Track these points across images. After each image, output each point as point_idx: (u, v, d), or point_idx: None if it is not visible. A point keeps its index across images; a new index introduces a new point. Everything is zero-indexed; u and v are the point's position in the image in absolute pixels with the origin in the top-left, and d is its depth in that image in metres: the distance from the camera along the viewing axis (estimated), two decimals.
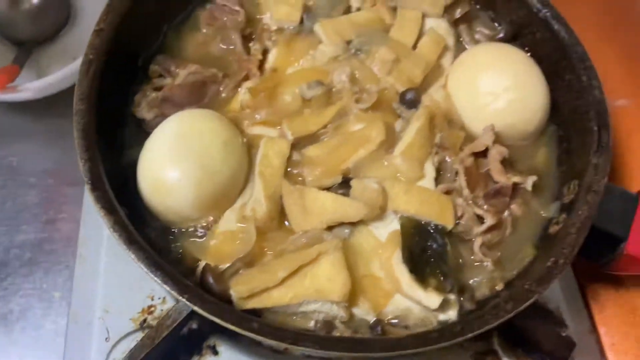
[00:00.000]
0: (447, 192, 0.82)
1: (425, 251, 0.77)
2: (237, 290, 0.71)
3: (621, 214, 0.79)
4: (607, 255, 0.82)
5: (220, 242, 0.76)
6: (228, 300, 0.71)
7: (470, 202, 0.80)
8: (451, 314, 0.74)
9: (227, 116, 0.85)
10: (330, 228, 0.78)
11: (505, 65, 0.87)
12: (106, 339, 0.81)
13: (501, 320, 0.67)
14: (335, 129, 0.86)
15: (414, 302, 0.74)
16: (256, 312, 0.71)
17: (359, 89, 0.88)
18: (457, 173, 0.83)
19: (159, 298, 0.85)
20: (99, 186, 0.69)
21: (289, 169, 0.82)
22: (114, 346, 0.81)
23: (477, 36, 0.98)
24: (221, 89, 0.90)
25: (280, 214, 0.79)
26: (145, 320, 0.83)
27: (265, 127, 0.86)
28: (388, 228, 0.79)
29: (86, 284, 0.86)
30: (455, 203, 0.81)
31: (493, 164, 0.82)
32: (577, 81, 0.87)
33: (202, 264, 0.74)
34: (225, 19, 0.95)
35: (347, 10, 0.98)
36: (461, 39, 0.98)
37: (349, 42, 0.93)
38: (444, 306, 0.74)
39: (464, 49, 0.96)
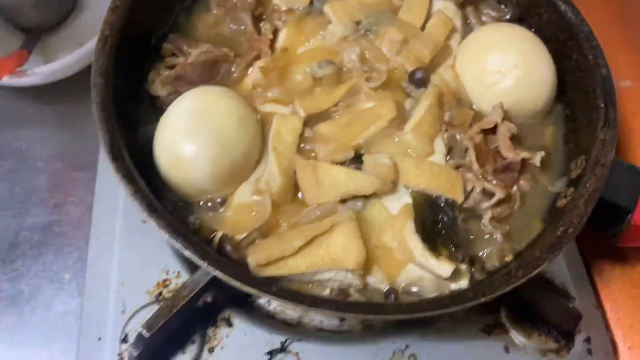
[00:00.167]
0: (457, 168, 0.83)
1: (437, 223, 0.79)
2: (255, 258, 0.72)
3: (628, 186, 0.81)
4: (615, 227, 0.84)
5: (236, 214, 0.78)
6: (245, 269, 0.72)
7: (480, 177, 0.81)
8: (462, 284, 0.76)
9: (240, 94, 0.86)
10: (343, 201, 0.79)
11: (512, 43, 0.89)
12: (122, 311, 0.82)
13: (512, 286, 0.69)
14: (346, 107, 0.87)
15: (427, 271, 0.75)
16: (272, 281, 0.72)
17: (368, 68, 0.89)
18: (466, 149, 0.84)
19: (174, 272, 0.86)
20: (119, 156, 0.70)
21: (301, 145, 0.83)
22: (130, 318, 0.81)
23: (484, 18, 1.00)
24: (233, 68, 0.91)
25: (293, 187, 0.80)
26: (160, 294, 0.84)
27: (277, 105, 0.87)
28: (400, 201, 0.81)
29: (101, 260, 0.87)
30: (464, 178, 0.82)
31: (502, 140, 0.83)
32: (583, 61, 0.89)
33: (218, 234, 0.74)
34: (235, 0, 0.96)
35: None
36: (468, 21, 1.00)
37: (358, 23, 0.95)
38: (455, 276, 0.75)
39: (471, 30, 0.98)
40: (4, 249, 1.08)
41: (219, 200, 0.80)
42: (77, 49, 1.09)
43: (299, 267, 0.73)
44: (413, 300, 0.74)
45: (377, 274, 0.76)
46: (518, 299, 0.84)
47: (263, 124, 0.85)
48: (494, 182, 0.82)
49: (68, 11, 1.23)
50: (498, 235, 0.80)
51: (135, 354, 0.73)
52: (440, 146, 0.85)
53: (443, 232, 0.78)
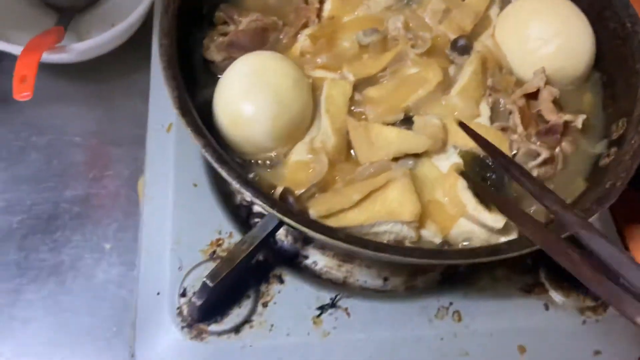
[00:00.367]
0: (502, 130, 0.86)
1: (485, 181, 0.82)
2: (317, 209, 0.75)
3: None
4: None
5: (294, 171, 0.81)
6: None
7: (524, 138, 0.84)
8: (513, 236, 0.78)
9: None
10: (395, 160, 0.82)
11: (553, 11, 0.92)
12: (179, 268, 0.84)
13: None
14: (392, 73, 0.90)
15: (479, 225, 0.78)
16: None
17: (413, 36, 0.92)
18: (510, 113, 0.87)
19: (226, 232, 0.89)
20: (188, 111, 0.73)
21: (352, 108, 0.86)
22: (187, 274, 0.84)
23: None
24: (281, 36, 0.94)
25: (347, 147, 0.83)
26: (214, 252, 0.87)
27: (326, 71, 0.90)
28: (449, 161, 0.84)
29: (155, 221, 0.89)
30: (510, 139, 0.85)
31: (545, 104, 0.86)
32: (621, 29, 0.92)
33: (279, 188, 0.77)
34: None
35: None
36: None
37: None
38: (506, 229, 0.78)
39: (509, 2, 1.01)
40: (43, 220, 1.10)
41: (276, 158, 0.82)
42: (109, 29, 1.11)
43: (358, 219, 0.76)
44: (473, 246, 0.77)
45: (431, 227, 0.78)
46: None
47: (314, 89, 0.87)
48: (538, 143, 0.85)
49: None
50: None
51: (198, 303, 0.76)
52: (485, 109, 0.87)
53: (492, 189, 0.81)
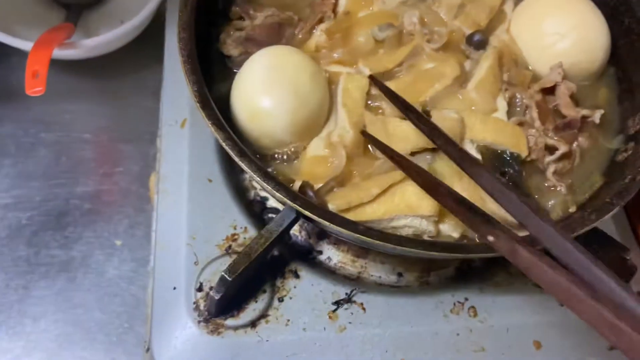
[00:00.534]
0: (519, 125, 0.86)
1: (504, 175, 0.81)
2: (336, 203, 0.75)
3: None
4: None
5: (311, 165, 0.80)
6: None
7: (542, 133, 0.84)
8: None
9: None
10: (412, 154, 0.82)
11: (569, 6, 0.92)
12: (195, 262, 0.84)
13: (586, 228, 0.72)
14: (408, 67, 0.90)
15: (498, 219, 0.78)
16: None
17: (428, 31, 0.92)
18: (526, 107, 0.87)
19: (241, 227, 0.89)
20: (208, 105, 0.73)
21: (369, 102, 0.86)
22: (203, 269, 0.83)
23: None
24: (296, 31, 0.94)
25: (365, 141, 0.83)
26: (230, 247, 0.86)
27: (341, 65, 0.90)
28: None
29: (170, 216, 0.89)
30: (527, 134, 0.85)
31: (562, 98, 0.86)
32: (636, 24, 0.92)
33: (297, 182, 0.77)
34: None
35: None
36: None
37: None
38: None
39: None
40: (53, 216, 1.09)
41: (293, 152, 0.82)
42: (118, 26, 1.10)
43: (376, 213, 0.76)
44: None
45: (450, 221, 0.78)
46: None
47: (329, 83, 0.87)
48: (555, 138, 0.85)
49: None
50: (562, 188, 0.82)
51: (216, 297, 0.75)
52: (502, 104, 0.87)
53: (510, 184, 0.80)
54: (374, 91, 0.87)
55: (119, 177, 1.17)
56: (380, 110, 0.86)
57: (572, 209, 0.82)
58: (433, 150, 0.82)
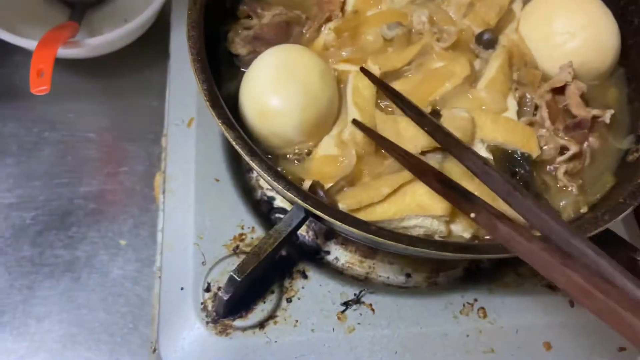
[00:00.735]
0: (530, 125, 0.85)
1: (515, 176, 0.81)
2: (346, 203, 0.75)
3: None
4: None
5: (321, 164, 0.80)
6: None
7: (552, 133, 0.84)
8: None
9: None
10: (423, 154, 0.81)
11: (578, 5, 0.91)
12: (202, 262, 0.84)
13: (600, 229, 0.71)
14: (418, 66, 0.89)
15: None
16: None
17: (437, 30, 0.92)
18: (536, 107, 0.87)
19: (249, 227, 0.88)
20: (218, 104, 0.72)
21: (378, 101, 0.85)
22: (211, 269, 0.83)
23: None
24: (304, 30, 0.93)
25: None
26: (237, 247, 0.86)
27: (350, 64, 0.89)
28: None
29: (177, 216, 0.89)
30: (537, 134, 0.84)
31: (573, 98, 0.86)
32: None
33: (307, 182, 0.76)
34: None
35: None
36: None
37: None
38: None
39: None
40: (58, 216, 1.08)
41: (304, 151, 0.81)
42: (122, 25, 1.10)
43: (387, 213, 0.75)
44: None
45: (461, 221, 0.77)
46: None
47: (338, 82, 0.87)
48: (566, 138, 0.84)
49: None
50: (573, 188, 0.82)
51: (225, 297, 0.75)
52: (512, 103, 0.86)
53: (521, 183, 0.80)
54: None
55: (124, 177, 1.16)
56: (390, 109, 0.85)
57: (584, 210, 0.81)
58: (443, 149, 0.81)
